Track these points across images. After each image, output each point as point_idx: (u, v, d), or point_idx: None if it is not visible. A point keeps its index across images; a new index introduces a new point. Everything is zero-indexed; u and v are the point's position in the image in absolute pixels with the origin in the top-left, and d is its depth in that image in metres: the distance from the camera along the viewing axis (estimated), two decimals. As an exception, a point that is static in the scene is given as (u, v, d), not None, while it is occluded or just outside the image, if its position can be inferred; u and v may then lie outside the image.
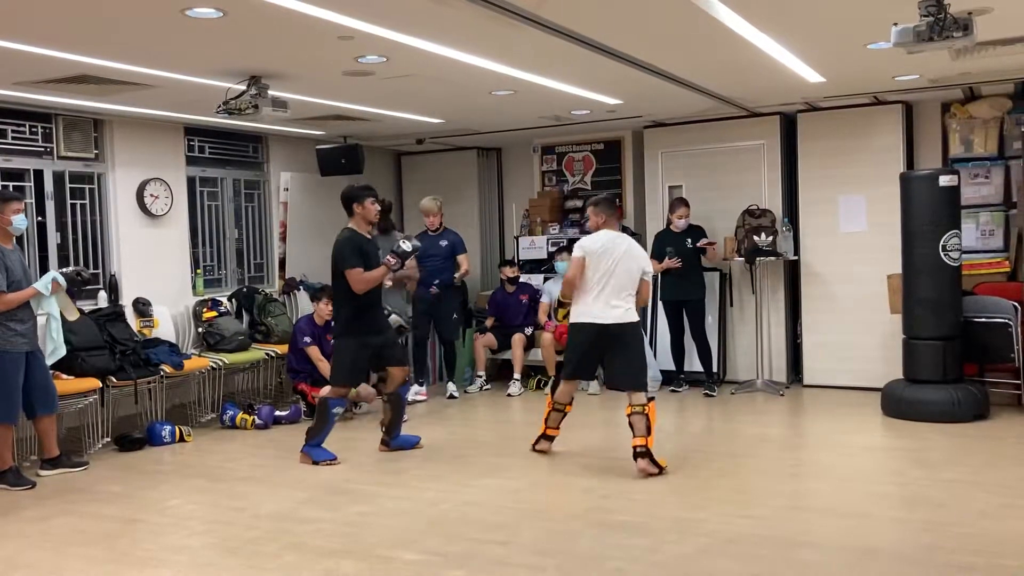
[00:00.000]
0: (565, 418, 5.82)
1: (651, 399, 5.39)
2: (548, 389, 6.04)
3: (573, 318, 5.57)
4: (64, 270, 5.82)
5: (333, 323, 6.15)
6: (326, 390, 6.00)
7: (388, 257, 5.73)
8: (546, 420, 5.83)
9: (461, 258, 7.98)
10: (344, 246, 5.68)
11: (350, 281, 5.62)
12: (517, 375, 8.17)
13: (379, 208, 6.01)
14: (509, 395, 8.05)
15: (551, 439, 5.87)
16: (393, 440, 6.07)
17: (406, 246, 5.83)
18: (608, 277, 5.40)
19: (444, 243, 7.95)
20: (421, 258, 7.44)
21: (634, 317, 5.47)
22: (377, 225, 6.92)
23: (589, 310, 5.43)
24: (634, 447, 5.26)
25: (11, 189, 6.32)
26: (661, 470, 5.24)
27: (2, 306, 5.28)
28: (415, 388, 7.69)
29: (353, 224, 5.79)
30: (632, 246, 5.59)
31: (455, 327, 8.14)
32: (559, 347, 7.98)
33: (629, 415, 5.28)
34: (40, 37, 4.54)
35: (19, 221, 5.46)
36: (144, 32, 4.53)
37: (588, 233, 8.52)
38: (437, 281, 7.88)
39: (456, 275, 7.92)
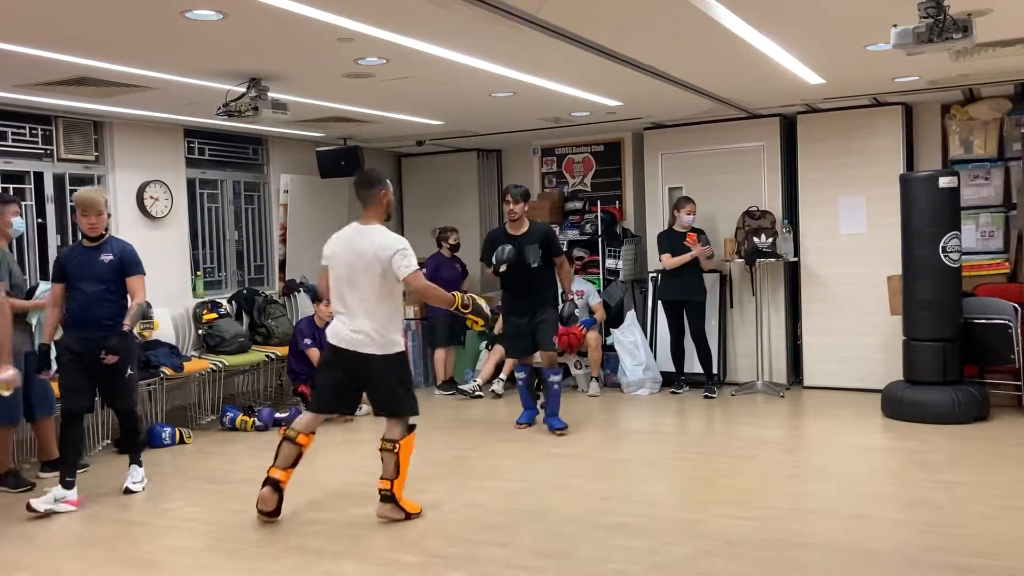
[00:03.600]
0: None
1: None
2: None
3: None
4: None
5: None
6: None
7: None
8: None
9: (132, 282, 5.18)
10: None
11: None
12: (503, 375, 8.12)
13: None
14: (494, 392, 8.09)
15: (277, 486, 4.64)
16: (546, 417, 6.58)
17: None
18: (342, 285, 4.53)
19: (108, 258, 5.14)
20: (77, 281, 5.13)
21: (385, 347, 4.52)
22: None
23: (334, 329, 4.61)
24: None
25: (11, 192, 6.33)
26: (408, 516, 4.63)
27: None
28: (58, 492, 4.98)
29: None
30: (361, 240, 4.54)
31: (127, 389, 5.27)
32: (557, 348, 7.98)
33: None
34: (40, 39, 4.54)
35: (18, 224, 5.49)
36: (144, 34, 4.53)
37: (589, 235, 8.71)
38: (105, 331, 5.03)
39: (127, 318, 5.09)
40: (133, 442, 5.47)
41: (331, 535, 4.42)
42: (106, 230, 5.25)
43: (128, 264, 5.20)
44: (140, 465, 5.42)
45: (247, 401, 7.60)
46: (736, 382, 8.17)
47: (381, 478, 4.57)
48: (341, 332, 4.53)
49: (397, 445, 4.52)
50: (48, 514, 4.89)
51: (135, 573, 4.01)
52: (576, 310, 6.61)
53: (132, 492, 5.30)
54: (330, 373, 4.66)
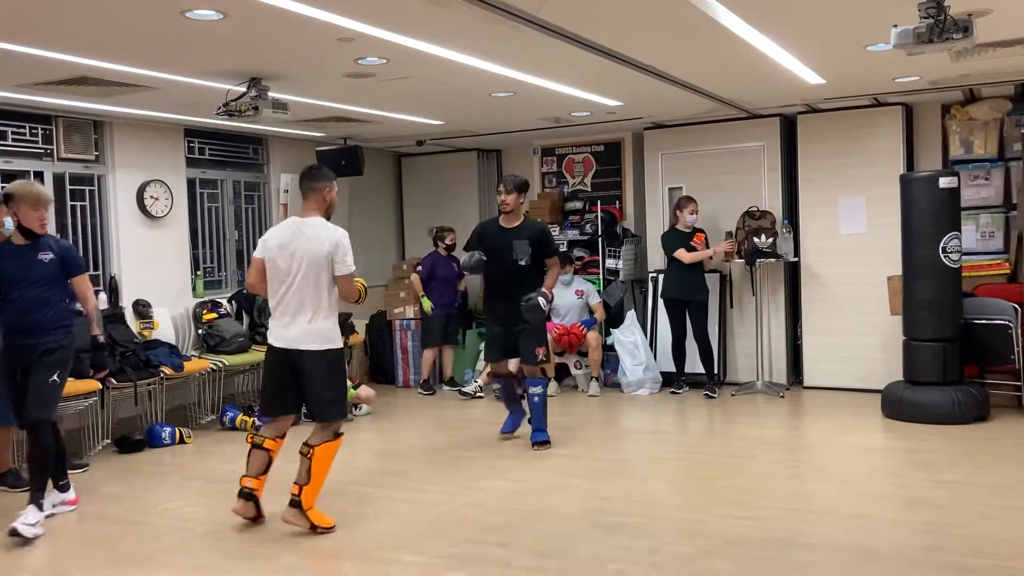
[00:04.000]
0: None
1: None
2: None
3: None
4: None
5: None
6: None
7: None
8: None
9: (79, 283, 4.88)
10: None
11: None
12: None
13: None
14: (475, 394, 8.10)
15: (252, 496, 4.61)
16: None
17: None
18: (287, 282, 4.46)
19: (48, 257, 4.75)
20: (12, 284, 4.73)
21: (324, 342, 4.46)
22: None
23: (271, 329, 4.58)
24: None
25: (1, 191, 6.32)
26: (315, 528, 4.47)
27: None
28: (54, 497, 4.91)
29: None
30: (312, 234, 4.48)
31: (47, 396, 4.72)
32: (557, 348, 8.00)
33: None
34: (40, 39, 4.54)
35: (10, 225, 5.45)
36: (144, 34, 4.53)
37: (589, 235, 8.70)
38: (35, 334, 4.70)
39: (95, 326, 5.00)
40: (54, 466, 4.78)
41: (331, 535, 4.42)
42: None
43: (71, 263, 4.83)
44: (40, 506, 4.57)
45: (247, 401, 7.59)
46: (736, 382, 8.16)
47: (294, 482, 4.48)
48: (280, 332, 4.47)
49: (312, 450, 4.45)
50: (48, 516, 4.79)
51: (135, 573, 4.01)
52: (543, 301, 5.81)
53: (19, 535, 4.40)
54: (277, 376, 4.54)
